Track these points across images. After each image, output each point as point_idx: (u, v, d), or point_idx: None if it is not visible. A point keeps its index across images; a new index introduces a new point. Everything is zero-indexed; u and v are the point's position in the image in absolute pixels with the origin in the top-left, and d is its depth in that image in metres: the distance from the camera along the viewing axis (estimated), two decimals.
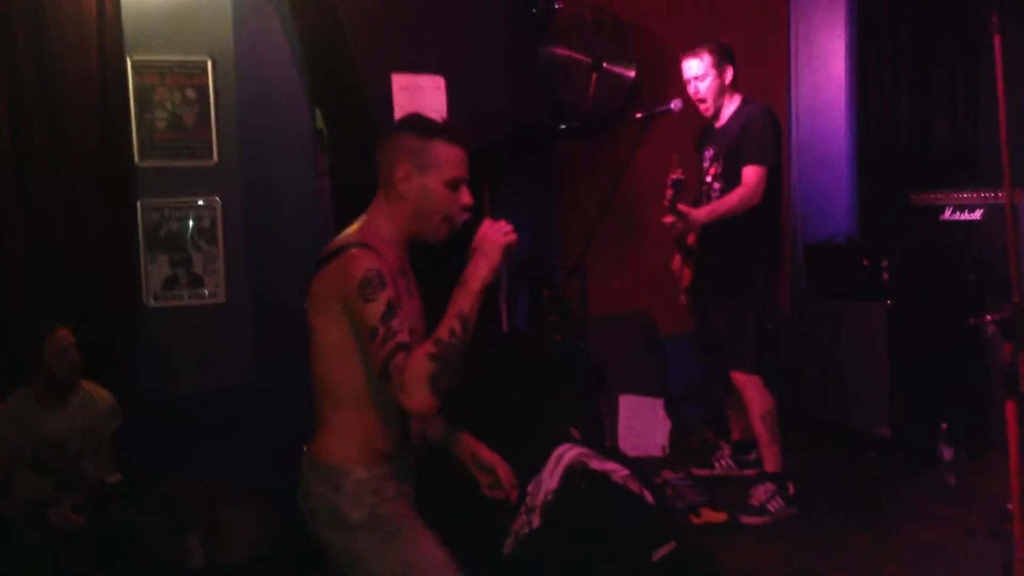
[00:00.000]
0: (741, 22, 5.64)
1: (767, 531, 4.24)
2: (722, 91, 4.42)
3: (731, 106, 4.46)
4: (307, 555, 3.65)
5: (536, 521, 3.33)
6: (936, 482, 4.64)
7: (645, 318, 5.58)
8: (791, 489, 4.39)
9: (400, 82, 4.16)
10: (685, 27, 5.33)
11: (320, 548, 2.42)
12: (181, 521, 3.68)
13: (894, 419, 4.86)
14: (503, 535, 3.35)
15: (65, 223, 4.09)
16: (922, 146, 6.03)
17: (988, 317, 4.64)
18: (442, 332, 2.16)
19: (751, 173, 4.25)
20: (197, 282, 4.41)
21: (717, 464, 4.93)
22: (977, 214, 5.24)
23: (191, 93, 4.36)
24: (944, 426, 4.84)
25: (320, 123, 4.65)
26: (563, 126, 5.18)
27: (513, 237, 2.27)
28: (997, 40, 2.86)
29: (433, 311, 2.35)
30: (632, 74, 5.25)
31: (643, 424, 5.27)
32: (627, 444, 5.15)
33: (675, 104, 4.40)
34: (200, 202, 4.40)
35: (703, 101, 4.42)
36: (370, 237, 2.33)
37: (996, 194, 5.11)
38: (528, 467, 3.48)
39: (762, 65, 5.71)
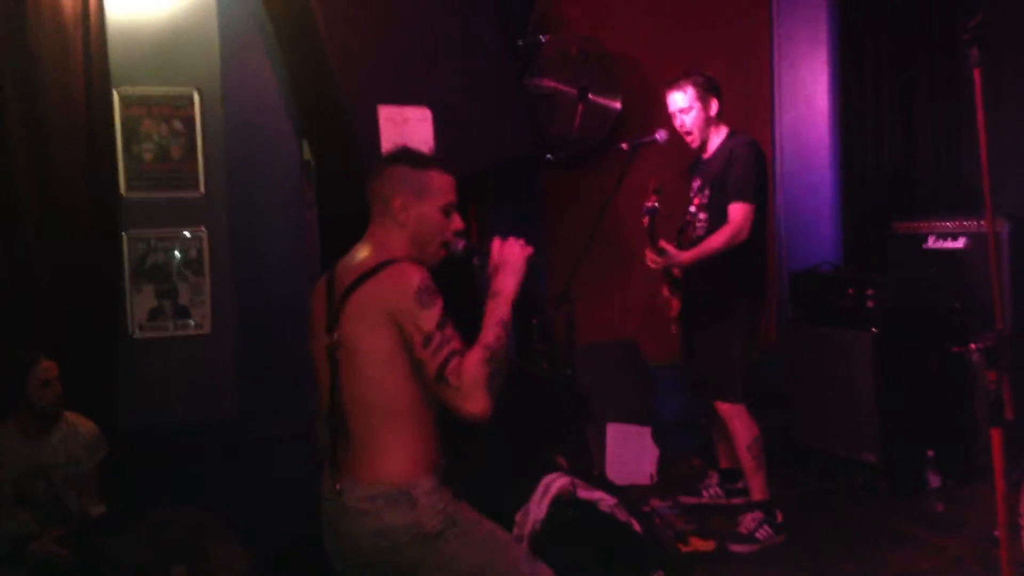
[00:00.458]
0: (725, 54, 5.70)
1: (755, 559, 4.22)
2: (708, 123, 4.45)
3: (717, 138, 4.49)
4: None
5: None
6: (923, 509, 4.63)
7: (633, 346, 5.58)
8: (779, 517, 4.38)
9: (387, 114, 4.18)
10: (670, 59, 5.38)
11: None
12: (166, 552, 3.63)
13: (881, 446, 4.86)
14: None
15: (50, 254, 4.08)
16: (905, 175, 6.09)
17: (972, 345, 4.68)
18: (488, 338, 2.27)
19: (737, 211, 4.27)
20: (183, 313, 4.40)
21: (705, 492, 4.92)
22: (960, 242, 5.28)
23: (178, 125, 4.38)
24: (931, 453, 4.85)
25: (307, 154, 4.67)
26: (549, 156, 5.21)
27: (531, 249, 2.41)
28: (977, 74, 2.89)
29: None
30: (618, 105, 5.29)
31: (631, 452, 5.26)
32: (615, 472, 5.13)
33: (660, 135, 4.44)
34: (186, 233, 4.40)
35: (689, 133, 4.45)
36: (396, 257, 2.38)
37: (978, 223, 5.16)
38: (516, 496, 3.48)
39: (747, 96, 5.76)
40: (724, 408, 4.44)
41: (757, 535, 4.32)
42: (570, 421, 4.63)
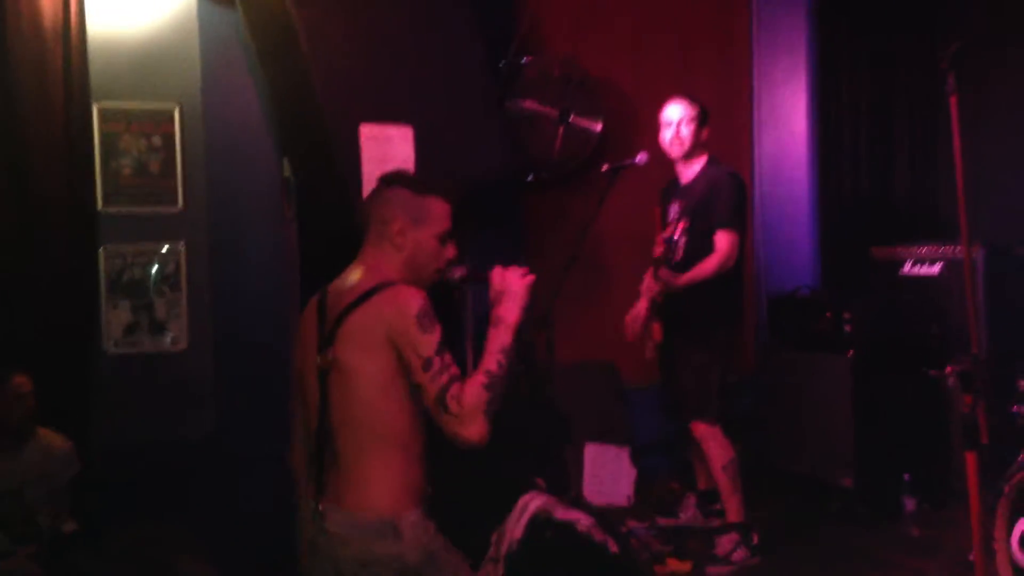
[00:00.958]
0: (705, 78, 5.75)
1: None
2: (697, 144, 4.51)
3: (697, 164, 4.55)
4: None
5: (500, 571, 3.30)
6: (899, 533, 4.65)
7: (611, 368, 5.58)
8: (755, 539, 4.39)
9: (368, 132, 4.17)
10: (651, 83, 5.43)
11: None
12: (140, 570, 3.59)
13: (857, 470, 4.88)
14: None
15: (26, 267, 4.04)
16: (883, 201, 6.15)
17: (948, 369, 4.70)
18: (490, 364, 2.26)
19: (724, 240, 4.36)
20: (159, 329, 4.36)
21: (682, 514, 4.91)
22: (936, 268, 5.32)
23: (157, 140, 4.35)
24: (907, 477, 4.87)
25: (287, 171, 4.66)
26: (530, 178, 5.22)
27: (532, 277, 2.41)
28: (953, 101, 2.93)
29: None
30: (599, 127, 5.32)
31: (608, 473, 5.25)
32: (592, 493, 5.11)
33: (640, 158, 4.47)
34: (164, 248, 4.37)
35: (681, 143, 4.49)
36: (392, 280, 2.36)
37: (955, 249, 5.20)
38: (493, 516, 3.46)
39: (726, 119, 5.79)
40: (700, 429, 4.46)
41: (733, 557, 4.32)
42: (549, 442, 4.62)
